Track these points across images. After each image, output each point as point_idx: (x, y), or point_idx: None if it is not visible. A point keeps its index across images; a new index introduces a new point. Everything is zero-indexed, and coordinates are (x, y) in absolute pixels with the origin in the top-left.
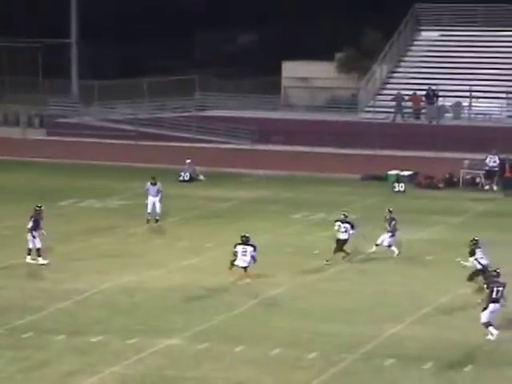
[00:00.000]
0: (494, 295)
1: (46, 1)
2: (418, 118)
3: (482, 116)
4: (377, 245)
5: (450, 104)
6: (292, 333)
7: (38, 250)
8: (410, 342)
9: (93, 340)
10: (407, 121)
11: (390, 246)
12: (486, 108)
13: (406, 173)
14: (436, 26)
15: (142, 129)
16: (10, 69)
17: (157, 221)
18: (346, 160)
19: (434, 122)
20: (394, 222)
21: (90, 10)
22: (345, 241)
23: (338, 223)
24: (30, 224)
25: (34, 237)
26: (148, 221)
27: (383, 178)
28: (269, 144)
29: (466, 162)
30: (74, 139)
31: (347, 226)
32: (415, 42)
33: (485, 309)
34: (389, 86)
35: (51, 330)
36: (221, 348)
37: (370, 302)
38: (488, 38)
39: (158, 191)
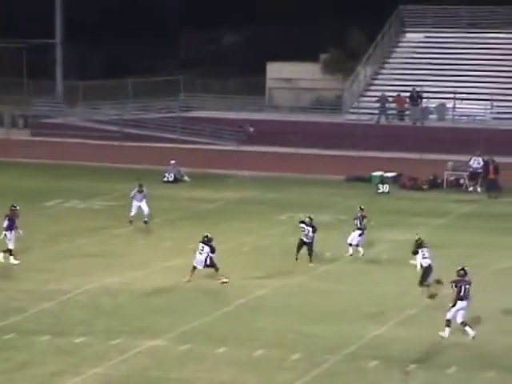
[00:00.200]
0: (461, 293)
1: (30, 1)
2: (402, 119)
3: (466, 118)
4: (350, 244)
5: (434, 105)
6: (276, 334)
7: (10, 250)
8: (394, 344)
9: (76, 341)
10: (391, 122)
11: (357, 245)
12: (470, 109)
13: (390, 174)
14: (420, 27)
15: (126, 129)
16: None
17: (145, 222)
18: (331, 161)
19: (418, 124)
20: (365, 221)
21: (74, 10)
22: (308, 243)
23: (303, 225)
24: (5, 223)
25: (5, 236)
26: (131, 222)
27: (367, 180)
28: (254, 145)
29: (450, 163)
30: (59, 140)
31: (310, 229)
32: (399, 44)
33: (452, 306)
34: (373, 87)
35: (34, 331)
36: (204, 349)
37: (354, 303)
38: (472, 39)
39: (144, 196)
